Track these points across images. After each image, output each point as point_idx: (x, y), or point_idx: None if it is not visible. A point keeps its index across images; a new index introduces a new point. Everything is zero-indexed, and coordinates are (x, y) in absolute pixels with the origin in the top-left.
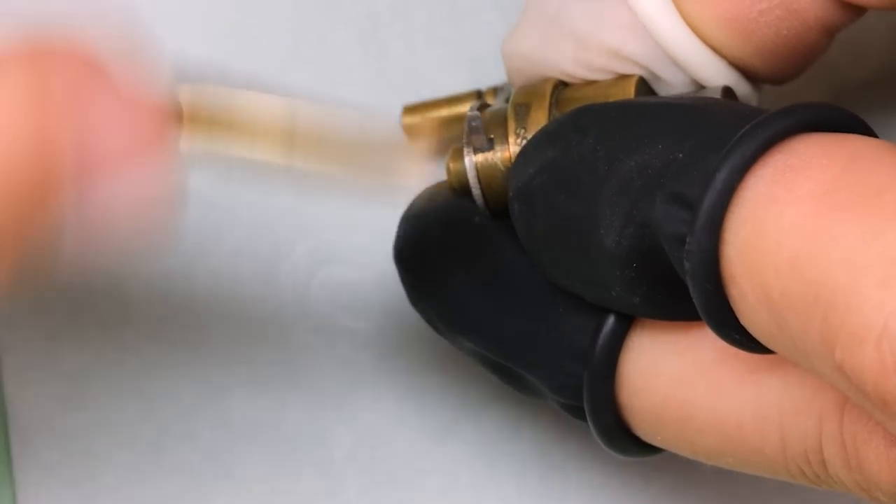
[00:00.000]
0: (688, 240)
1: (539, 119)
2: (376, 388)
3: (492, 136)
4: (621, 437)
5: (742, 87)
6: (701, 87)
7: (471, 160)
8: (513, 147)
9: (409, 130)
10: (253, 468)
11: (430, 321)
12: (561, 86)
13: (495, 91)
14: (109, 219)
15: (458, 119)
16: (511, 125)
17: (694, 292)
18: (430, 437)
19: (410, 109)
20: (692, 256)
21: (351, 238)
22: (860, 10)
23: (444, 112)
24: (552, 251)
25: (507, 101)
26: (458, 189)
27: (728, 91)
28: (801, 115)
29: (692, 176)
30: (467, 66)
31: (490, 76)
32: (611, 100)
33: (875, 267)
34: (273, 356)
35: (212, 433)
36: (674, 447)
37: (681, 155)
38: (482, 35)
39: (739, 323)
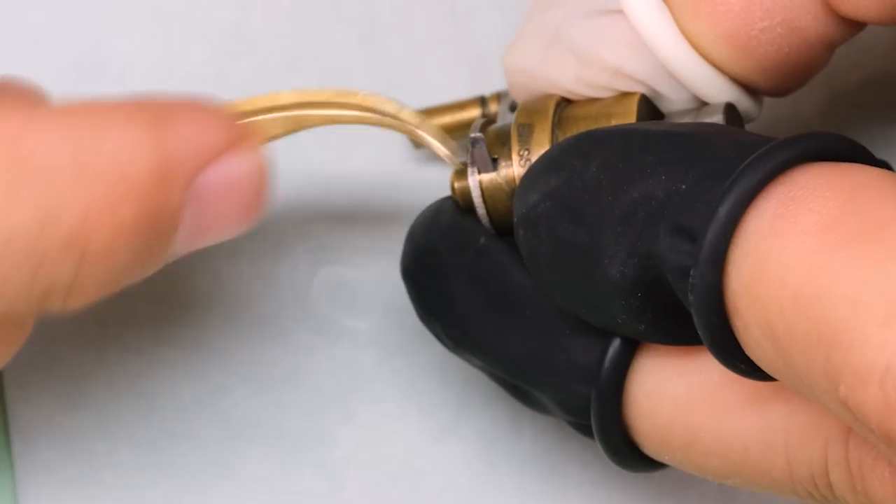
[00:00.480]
0: (692, 273)
1: (542, 140)
2: (376, 389)
3: (496, 156)
4: (630, 456)
5: (743, 102)
6: (703, 103)
7: (475, 180)
8: (516, 168)
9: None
10: (253, 468)
11: (438, 337)
12: (564, 103)
13: (499, 97)
14: (214, 202)
15: (462, 125)
16: (514, 146)
17: (698, 324)
18: (430, 437)
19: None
20: (696, 289)
21: (351, 238)
22: (860, 26)
23: (448, 119)
24: (557, 278)
25: (511, 109)
26: (462, 205)
27: (730, 107)
28: (804, 146)
29: (695, 208)
30: (467, 65)
31: (490, 76)
32: (613, 118)
33: (877, 305)
34: (273, 356)
35: (212, 433)
36: (681, 466)
37: (684, 186)
38: (482, 35)
39: (744, 353)
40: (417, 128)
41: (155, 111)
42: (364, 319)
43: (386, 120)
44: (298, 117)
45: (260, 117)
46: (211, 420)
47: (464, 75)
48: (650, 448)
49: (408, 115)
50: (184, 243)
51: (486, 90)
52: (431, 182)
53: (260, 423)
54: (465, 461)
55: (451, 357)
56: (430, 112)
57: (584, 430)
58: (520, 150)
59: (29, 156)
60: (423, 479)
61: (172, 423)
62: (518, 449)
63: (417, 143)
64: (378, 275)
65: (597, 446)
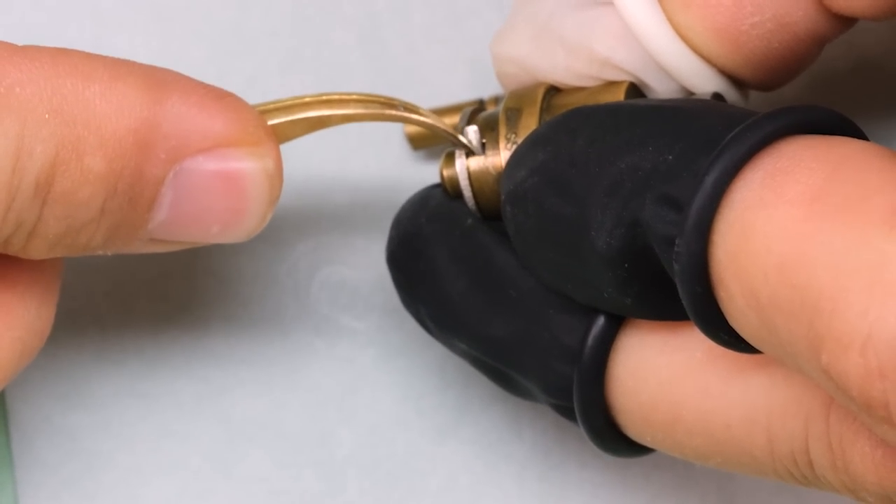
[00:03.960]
0: (677, 241)
1: (530, 125)
2: (376, 389)
3: (484, 140)
4: (612, 438)
5: (730, 94)
6: (690, 94)
7: (462, 164)
8: (504, 152)
9: (411, 138)
10: (253, 468)
11: (421, 322)
12: (552, 91)
13: (497, 100)
14: (201, 192)
15: None
16: (502, 130)
17: (683, 293)
18: (430, 437)
19: None
20: (681, 258)
21: (351, 238)
22: (851, 22)
23: (447, 120)
24: (544, 252)
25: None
26: (450, 192)
27: (718, 97)
28: (790, 118)
29: (681, 178)
30: (467, 66)
31: (490, 76)
32: None
33: (860, 273)
34: (273, 356)
35: (212, 433)
36: (663, 448)
37: (670, 157)
38: (482, 35)
39: (728, 324)
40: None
41: (156, 80)
42: (364, 319)
43: (400, 115)
44: (320, 117)
45: (280, 119)
46: (211, 420)
47: (464, 75)
48: (633, 429)
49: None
50: (165, 227)
51: (486, 90)
52: (430, 182)
53: (260, 423)
54: (465, 462)
55: (451, 358)
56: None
57: (568, 412)
58: (507, 134)
59: (7, 91)
60: (423, 480)
61: (172, 423)
62: (517, 450)
63: (416, 146)
64: (378, 275)
65: (581, 430)
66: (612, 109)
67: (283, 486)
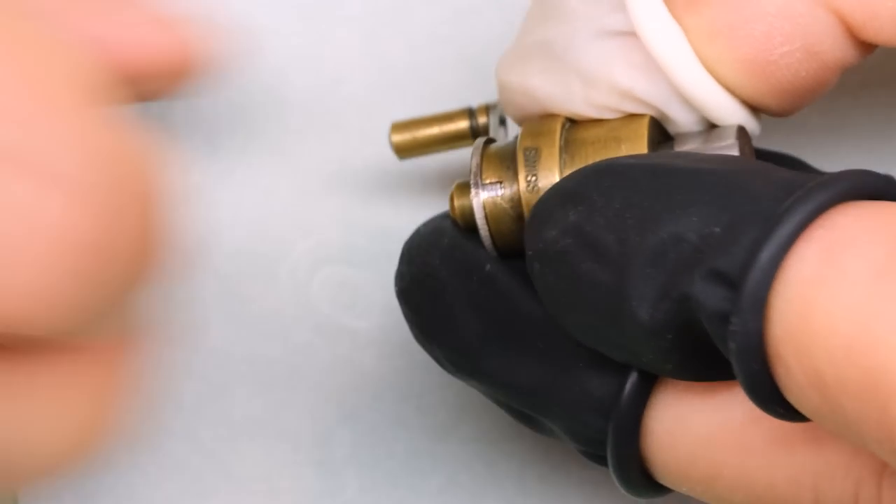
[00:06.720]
0: (732, 320)
1: (550, 165)
2: (377, 388)
3: (500, 179)
4: (645, 487)
5: (749, 123)
6: (710, 125)
7: (479, 200)
8: (524, 193)
9: (397, 147)
10: (253, 468)
11: (437, 360)
12: (568, 123)
13: (487, 109)
14: None
15: (450, 137)
16: (521, 171)
17: (738, 370)
18: (430, 436)
19: (399, 127)
20: (737, 336)
21: (351, 238)
22: (874, 48)
23: (435, 130)
24: (577, 315)
25: (501, 121)
26: (462, 225)
27: (742, 130)
28: (842, 186)
29: (732, 252)
30: (468, 65)
31: (490, 76)
32: (622, 141)
33: None
34: (273, 356)
35: (212, 432)
36: (702, 498)
37: (718, 230)
38: (483, 34)
39: (784, 398)
40: None
41: None
42: (364, 319)
43: None
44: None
45: None
46: (211, 419)
47: (464, 75)
48: (668, 479)
49: None
50: None
51: (487, 90)
52: (431, 182)
53: (260, 423)
54: (465, 461)
55: None
56: (417, 123)
57: (596, 459)
58: (527, 176)
59: None
60: (424, 479)
61: (172, 422)
62: (518, 449)
63: (402, 155)
64: (378, 274)
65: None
66: (647, 169)
67: (283, 486)
